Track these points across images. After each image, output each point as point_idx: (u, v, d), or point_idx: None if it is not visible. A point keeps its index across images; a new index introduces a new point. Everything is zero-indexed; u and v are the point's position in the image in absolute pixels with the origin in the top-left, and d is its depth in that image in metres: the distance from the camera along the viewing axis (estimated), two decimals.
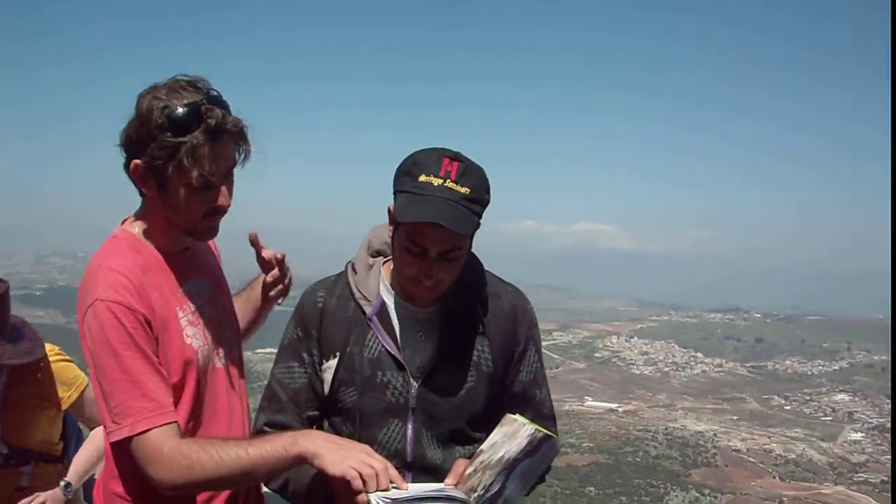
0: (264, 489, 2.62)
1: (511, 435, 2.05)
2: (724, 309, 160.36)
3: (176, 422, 2.16)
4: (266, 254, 2.73)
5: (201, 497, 2.37)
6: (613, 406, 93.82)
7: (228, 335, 2.56)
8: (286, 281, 2.79)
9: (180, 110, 2.11)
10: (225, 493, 2.43)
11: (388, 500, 1.91)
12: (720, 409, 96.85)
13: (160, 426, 2.11)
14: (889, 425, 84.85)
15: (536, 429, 2.05)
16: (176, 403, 2.24)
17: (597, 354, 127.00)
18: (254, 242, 2.71)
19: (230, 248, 2.85)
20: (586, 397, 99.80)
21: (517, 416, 2.10)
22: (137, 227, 2.37)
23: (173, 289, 2.35)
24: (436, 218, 2.06)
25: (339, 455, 2.00)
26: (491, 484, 2.03)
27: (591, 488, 63.08)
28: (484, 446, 2.09)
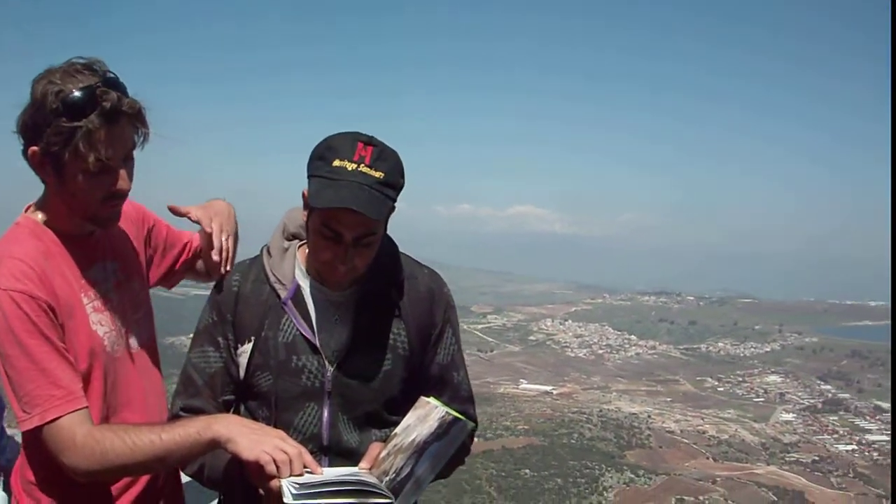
0: (184, 477, 2.55)
1: (423, 418, 2.07)
2: (658, 292, 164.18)
3: (86, 408, 2.15)
4: (193, 215, 2.66)
5: (117, 486, 2.36)
6: (548, 388, 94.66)
7: (139, 319, 2.52)
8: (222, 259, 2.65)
9: (75, 94, 2.07)
10: (143, 481, 2.43)
11: (297, 485, 1.94)
12: (654, 391, 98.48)
13: (71, 413, 2.10)
14: (820, 406, 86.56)
15: (447, 412, 2.04)
16: (85, 391, 2.21)
17: (531, 337, 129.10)
18: (176, 212, 2.67)
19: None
20: (521, 380, 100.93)
21: (430, 399, 2.11)
22: (39, 214, 2.33)
23: (77, 275, 2.31)
24: (349, 203, 2.06)
25: (252, 440, 2.02)
26: (402, 467, 2.04)
27: (527, 470, 63.01)
28: (398, 429, 2.12)
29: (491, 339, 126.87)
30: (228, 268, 2.63)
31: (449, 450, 2.07)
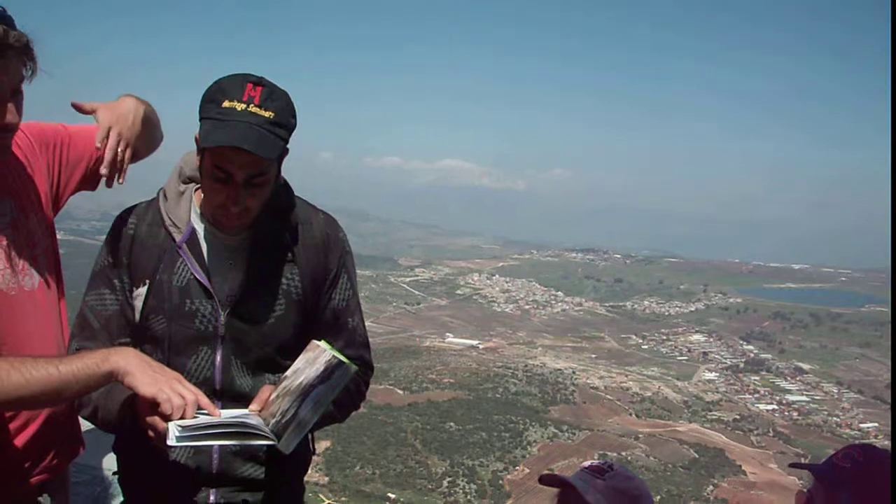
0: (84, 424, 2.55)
1: (312, 361, 2.10)
2: (585, 249, 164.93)
3: None
4: (98, 118, 2.53)
5: (15, 424, 2.35)
6: (474, 343, 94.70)
7: (37, 256, 2.47)
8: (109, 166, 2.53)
9: None
10: (40, 419, 2.41)
11: (181, 428, 1.96)
12: (579, 348, 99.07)
13: None
14: (742, 365, 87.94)
15: (333, 355, 2.09)
16: None
17: (458, 291, 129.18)
18: (80, 109, 2.57)
19: None
20: (447, 334, 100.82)
21: (320, 343, 2.15)
22: None
23: None
24: (238, 142, 2.09)
25: (151, 376, 2.03)
26: (287, 409, 2.08)
27: (452, 424, 62.80)
28: (288, 372, 2.15)
29: (418, 293, 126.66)
30: (121, 180, 2.55)
31: (331, 393, 2.10)
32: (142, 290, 2.36)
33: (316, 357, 2.08)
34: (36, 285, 2.43)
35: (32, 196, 2.51)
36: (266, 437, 2.05)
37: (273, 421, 2.08)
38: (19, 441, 2.35)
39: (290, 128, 2.23)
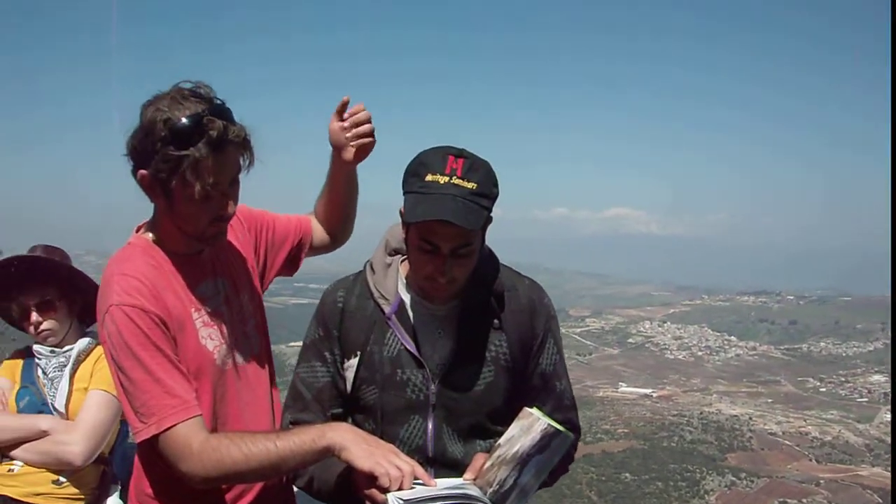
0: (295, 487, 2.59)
1: (527, 429, 2.06)
2: (757, 292, 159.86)
3: (201, 416, 2.18)
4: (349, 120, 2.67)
5: (231, 494, 2.41)
6: (648, 391, 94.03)
7: (248, 332, 2.54)
8: (361, 132, 2.67)
9: (183, 122, 2.09)
10: (255, 488, 2.47)
11: (402, 501, 1.92)
12: (755, 393, 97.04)
13: (186, 420, 2.13)
14: None
15: (549, 424, 2.04)
16: None
17: (630, 340, 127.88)
18: (340, 111, 2.67)
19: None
20: (620, 383, 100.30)
21: (533, 410, 2.09)
22: (150, 234, 2.38)
23: (187, 291, 2.35)
24: (443, 215, 2.08)
25: (366, 450, 2.01)
26: (505, 479, 2.05)
27: (627, 474, 63.02)
28: (501, 440, 2.10)
29: (589, 343, 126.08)
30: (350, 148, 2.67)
31: (551, 461, 2.10)
32: (353, 362, 2.37)
33: (530, 425, 2.05)
34: (247, 361, 2.49)
35: (243, 275, 2.57)
36: None
37: (490, 490, 2.04)
38: None
39: (493, 197, 2.20)
